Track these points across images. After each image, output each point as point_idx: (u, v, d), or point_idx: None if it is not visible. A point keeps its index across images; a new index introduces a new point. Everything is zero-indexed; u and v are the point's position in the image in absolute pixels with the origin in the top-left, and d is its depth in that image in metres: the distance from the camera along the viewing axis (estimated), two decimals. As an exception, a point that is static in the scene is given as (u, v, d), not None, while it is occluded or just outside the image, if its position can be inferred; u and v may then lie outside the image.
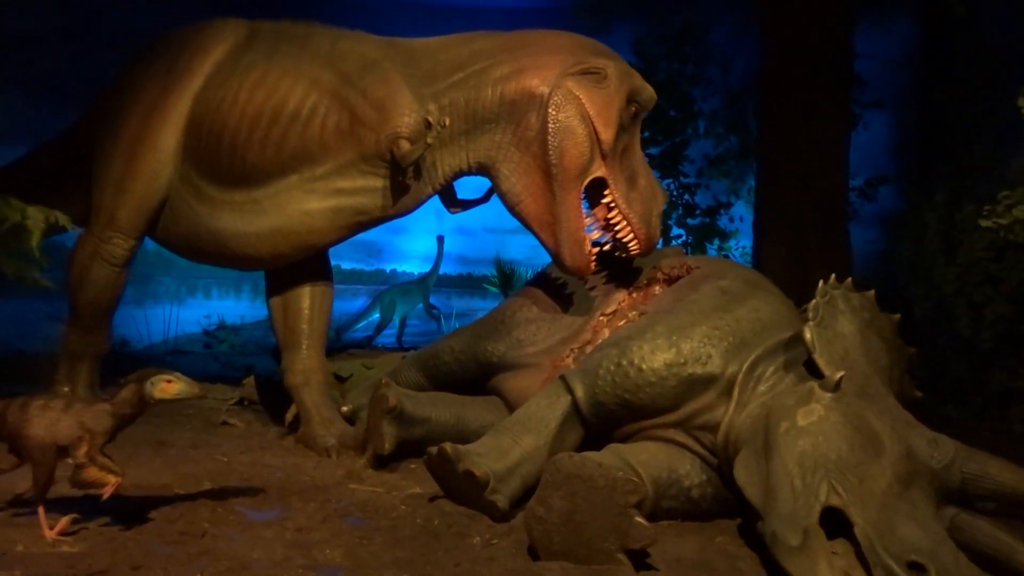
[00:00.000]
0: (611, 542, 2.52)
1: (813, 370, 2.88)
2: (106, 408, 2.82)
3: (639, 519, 2.50)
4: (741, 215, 6.96)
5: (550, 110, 3.76)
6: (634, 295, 4.12)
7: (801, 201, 5.38)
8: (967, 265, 5.58)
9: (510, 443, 3.19)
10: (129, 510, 3.02)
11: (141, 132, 4.17)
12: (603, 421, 3.29)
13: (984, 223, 3.23)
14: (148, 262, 6.90)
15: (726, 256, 6.81)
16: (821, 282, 3.05)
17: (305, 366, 4.36)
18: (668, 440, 3.20)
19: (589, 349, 3.92)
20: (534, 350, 4.09)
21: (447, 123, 3.75)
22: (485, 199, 4.34)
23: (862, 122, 6.18)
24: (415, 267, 8.81)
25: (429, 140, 3.75)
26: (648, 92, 3.94)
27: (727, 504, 3.13)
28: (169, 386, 2.83)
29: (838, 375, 2.69)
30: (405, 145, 3.73)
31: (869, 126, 6.34)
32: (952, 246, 5.62)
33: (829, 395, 2.66)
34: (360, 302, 8.36)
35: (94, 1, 6.82)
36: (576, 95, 3.78)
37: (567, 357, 3.95)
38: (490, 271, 8.75)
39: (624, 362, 3.19)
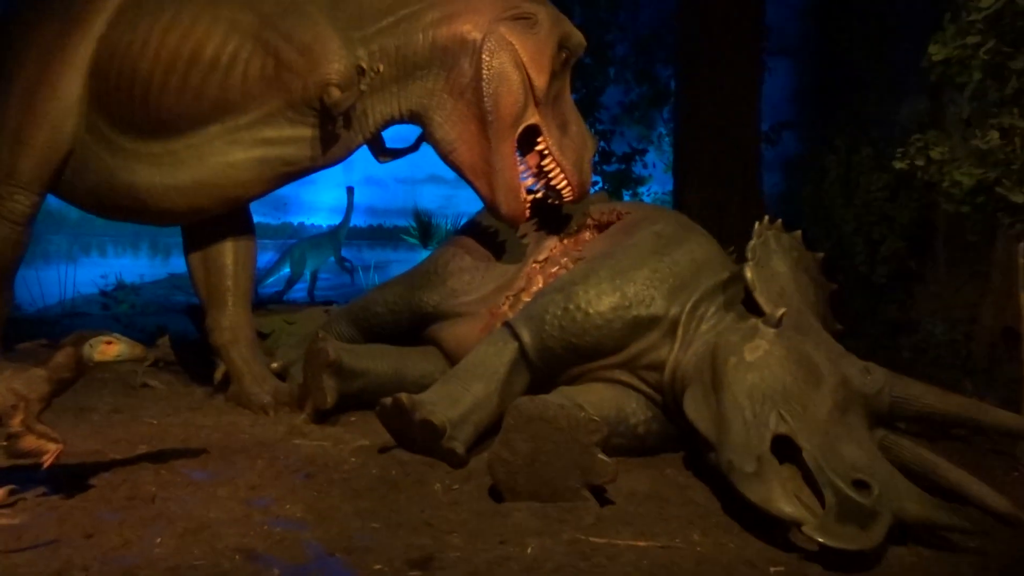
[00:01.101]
0: (575, 479, 2.62)
1: (752, 308, 3.02)
2: (41, 374, 2.67)
3: (601, 456, 2.59)
4: (653, 161, 7.13)
5: (483, 56, 3.73)
6: (565, 242, 4.19)
7: (717, 147, 5.56)
8: (863, 205, 5.94)
9: (461, 391, 3.23)
10: (66, 478, 2.90)
11: (39, 78, 3.86)
12: (550, 365, 3.36)
13: (899, 164, 3.43)
14: (38, 219, 6.44)
15: (643, 201, 6.98)
16: (757, 223, 3.19)
17: (232, 323, 4.22)
18: (614, 380, 3.31)
19: (524, 296, 3.98)
20: (469, 299, 4.10)
21: (380, 69, 3.65)
22: (415, 148, 4.27)
23: (767, 69, 6.41)
24: (324, 220, 8.61)
25: (362, 87, 3.65)
26: (578, 37, 3.95)
27: (671, 439, 3.28)
28: (109, 348, 2.70)
29: (780, 311, 2.84)
30: (336, 92, 3.61)
31: (772, 73, 6.58)
32: (850, 188, 5.96)
33: (772, 330, 2.81)
34: (268, 257, 8.11)
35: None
36: (509, 41, 3.75)
37: (503, 304, 3.99)
38: (401, 222, 8.65)
39: (571, 307, 3.26)
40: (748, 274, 3.00)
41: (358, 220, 8.41)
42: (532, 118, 3.87)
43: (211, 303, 4.26)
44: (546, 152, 3.96)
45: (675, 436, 3.28)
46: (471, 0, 3.79)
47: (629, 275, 3.28)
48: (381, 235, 8.96)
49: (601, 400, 3.19)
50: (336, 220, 8.33)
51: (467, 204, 8.74)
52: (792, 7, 6.42)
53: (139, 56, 3.73)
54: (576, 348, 3.29)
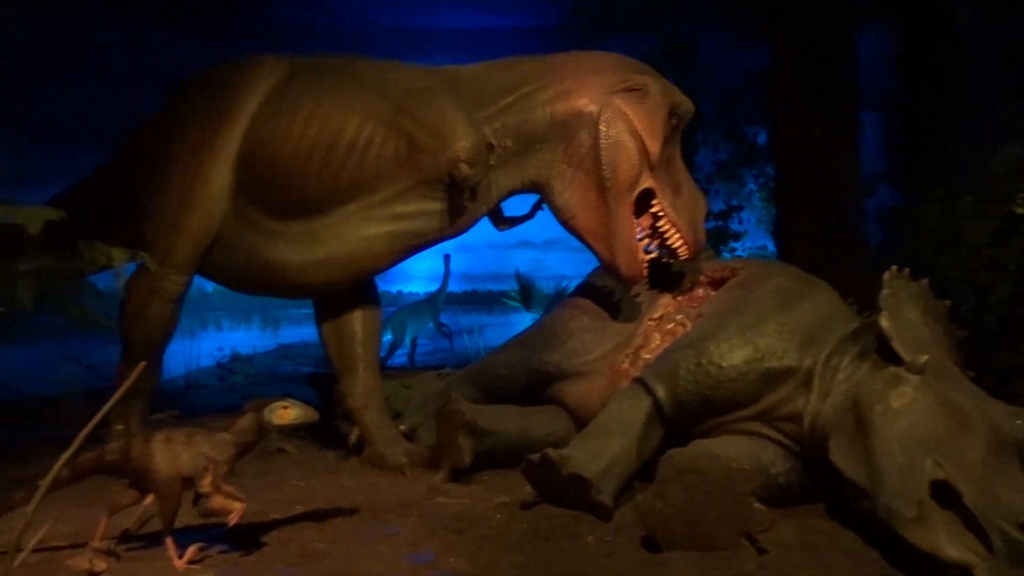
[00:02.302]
0: (730, 529, 2.69)
1: (888, 357, 3.09)
2: (227, 438, 2.90)
3: (757, 505, 2.67)
4: (746, 217, 7.25)
5: (601, 127, 3.95)
6: (679, 299, 4.32)
7: (818, 201, 5.66)
8: (968, 252, 5.90)
9: (601, 446, 3.34)
10: (238, 536, 3.10)
11: (192, 170, 4.23)
12: (684, 419, 3.46)
13: (1020, 210, 3.48)
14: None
15: (754, 258, 7.06)
16: (886, 274, 3.27)
17: (363, 388, 4.45)
18: (749, 432, 3.39)
19: (643, 353, 4.11)
20: (590, 358, 4.25)
21: (509, 145, 3.90)
22: (531, 215, 4.50)
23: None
24: (420, 287, 8.93)
25: (492, 162, 3.91)
26: (687, 105, 4.16)
27: (811, 489, 3.32)
28: (286, 412, 2.92)
29: (923, 358, 2.90)
30: (465, 168, 3.87)
31: (862, 126, 6.65)
32: (950, 236, 5.93)
33: (916, 377, 2.87)
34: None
35: (81, 41, 6.81)
36: (624, 111, 3.98)
37: (623, 362, 4.12)
38: (493, 286, 8.90)
39: (704, 361, 3.37)
40: (884, 324, 3.07)
41: (453, 286, 8.70)
42: (647, 182, 4.05)
43: (343, 370, 4.51)
44: (661, 213, 4.13)
45: (813, 486, 3.31)
46: (586, 76, 4.04)
47: (759, 328, 3.38)
48: (475, 300, 9.23)
49: (739, 452, 3.25)
50: (432, 287, 8.63)
51: (557, 267, 8.98)
52: (876, 60, 6.53)
53: (282, 145, 4.07)
54: (711, 401, 3.38)
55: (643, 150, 3.99)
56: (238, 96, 4.25)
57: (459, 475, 3.96)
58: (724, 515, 2.68)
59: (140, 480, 2.87)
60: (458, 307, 9.00)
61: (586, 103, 3.97)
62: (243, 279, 4.46)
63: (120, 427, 4.55)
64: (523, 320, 8.17)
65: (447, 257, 8.29)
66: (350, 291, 4.46)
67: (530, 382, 4.45)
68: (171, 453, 2.84)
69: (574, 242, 9.11)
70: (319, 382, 5.74)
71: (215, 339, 8.29)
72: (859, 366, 3.18)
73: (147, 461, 2.83)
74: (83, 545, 2.91)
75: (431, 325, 8.42)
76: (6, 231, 3.07)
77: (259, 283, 4.42)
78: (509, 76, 4.08)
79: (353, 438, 4.51)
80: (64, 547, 3.06)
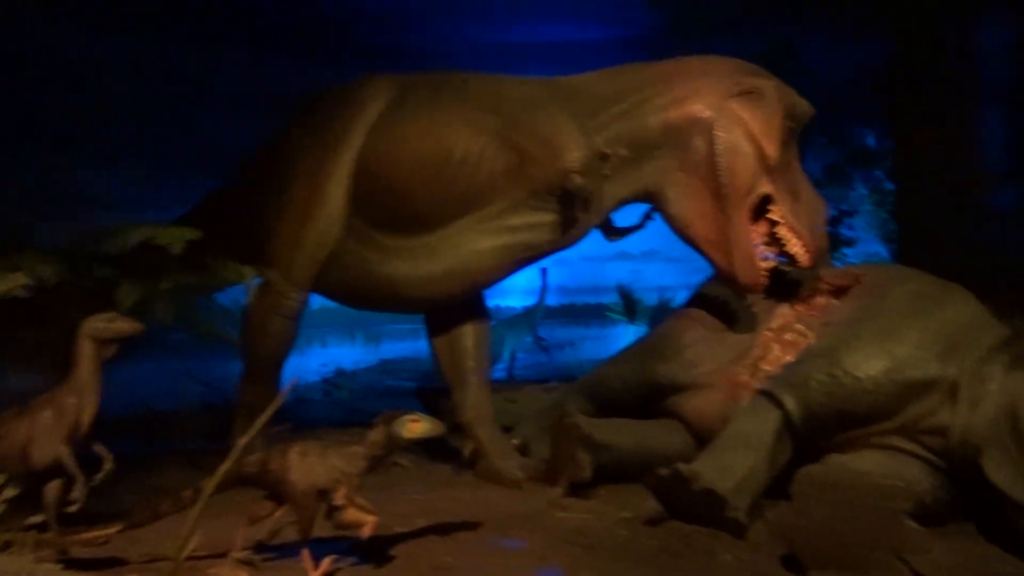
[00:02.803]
0: (884, 549, 2.55)
1: (1043, 365, 2.89)
2: (359, 451, 2.94)
3: (913, 524, 2.53)
4: (854, 222, 6.99)
5: (717, 132, 3.87)
6: (798, 308, 4.17)
7: (941, 202, 5.40)
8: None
9: (731, 461, 3.24)
10: (366, 549, 3.13)
11: (309, 190, 4.34)
12: (815, 432, 3.32)
13: None
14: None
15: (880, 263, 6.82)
16: (1037, 277, 3.07)
17: (475, 402, 4.45)
18: (888, 447, 3.22)
19: (762, 364, 3.98)
20: (706, 370, 4.14)
21: (624, 153, 3.86)
22: (642, 225, 4.43)
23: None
24: (517, 301, 8.93)
25: (606, 172, 3.87)
26: (803, 106, 4.03)
27: (957, 507, 3.13)
28: (416, 425, 2.94)
29: (1088, 367, 2.70)
30: (577, 179, 3.85)
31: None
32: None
33: (1081, 387, 2.68)
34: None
35: (208, 74, 7.13)
36: (740, 116, 3.88)
37: (742, 374, 3.99)
38: (590, 299, 8.83)
39: (837, 372, 3.24)
40: (1040, 330, 2.88)
41: (550, 300, 8.67)
42: (765, 188, 3.94)
43: (455, 383, 4.53)
44: (779, 220, 4.00)
45: (961, 504, 3.12)
46: (700, 81, 3.97)
47: (897, 336, 3.22)
48: (572, 313, 9.17)
49: (879, 467, 3.10)
50: (529, 301, 8.61)
51: (656, 278, 8.83)
52: (996, 53, 6.19)
53: (396, 162, 4.14)
54: (845, 414, 3.24)
55: (761, 155, 3.89)
56: (352, 115, 4.35)
57: (576, 489, 3.91)
58: (876, 534, 2.55)
59: (277, 491, 2.93)
60: (555, 321, 8.97)
61: (701, 108, 3.90)
62: (357, 295, 4.54)
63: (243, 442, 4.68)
64: (623, 333, 8.06)
65: (544, 271, 8.26)
66: (461, 305, 4.49)
67: (644, 395, 4.36)
68: (307, 466, 2.89)
69: (672, 253, 8.96)
70: (427, 396, 5.80)
71: (320, 355, 8.48)
72: (1012, 376, 2.99)
73: (284, 473, 2.89)
74: (222, 555, 2.99)
75: (529, 339, 8.40)
76: (146, 250, 3.20)
77: (373, 299, 4.49)
78: (621, 83, 4.05)
79: (467, 452, 4.51)
80: (203, 556, 3.15)
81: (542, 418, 4.82)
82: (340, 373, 8.22)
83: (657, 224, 4.40)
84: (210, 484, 2.64)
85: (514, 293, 9.29)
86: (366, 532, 2.88)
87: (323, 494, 2.89)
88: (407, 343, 9.24)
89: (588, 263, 8.82)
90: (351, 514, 2.87)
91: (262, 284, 4.52)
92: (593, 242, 4.57)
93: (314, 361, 8.29)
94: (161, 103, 6.81)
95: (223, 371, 7.83)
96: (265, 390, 4.71)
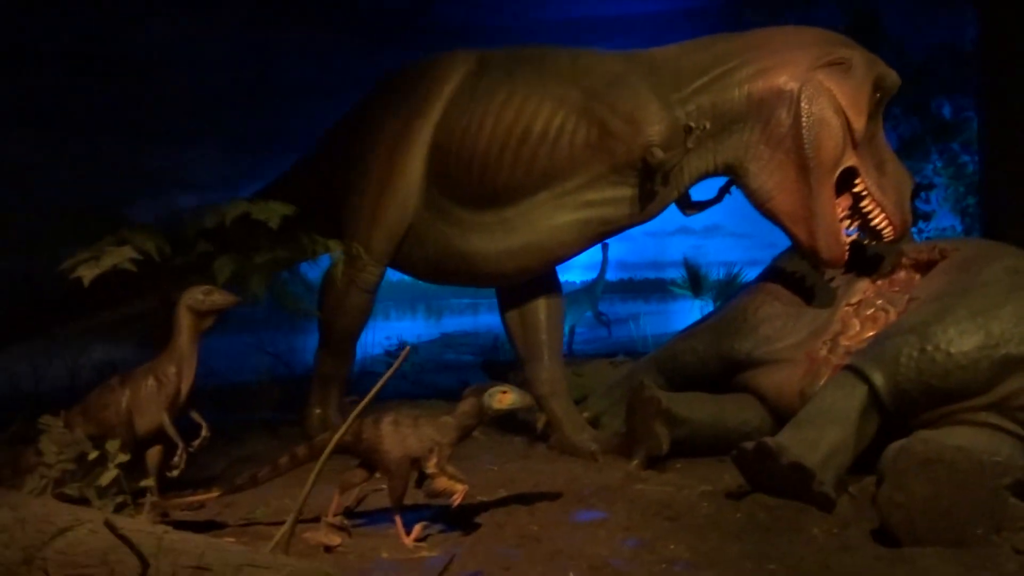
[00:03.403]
0: (983, 525, 2.52)
1: None
2: (450, 421, 3.00)
3: (1015, 500, 2.49)
4: (931, 196, 6.81)
5: (803, 104, 3.80)
6: (879, 283, 4.10)
7: None
8: None
9: (817, 436, 3.22)
10: (452, 517, 3.20)
11: (389, 164, 4.39)
12: (904, 408, 3.28)
13: None
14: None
15: (965, 237, 6.67)
16: None
17: (550, 376, 4.48)
18: (980, 423, 3.17)
19: (842, 340, 3.93)
20: (784, 344, 4.10)
21: (707, 126, 3.82)
22: (719, 199, 4.39)
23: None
24: (577, 276, 8.92)
25: (690, 145, 3.84)
26: (892, 77, 3.93)
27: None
28: (505, 396, 2.99)
29: None
30: (659, 153, 3.82)
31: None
32: None
33: None
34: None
35: (276, 57, 7.23)
36: (827, 87, 3.81)
37: (821, 349, 3.95)
38: (650, 274, 8.78)
39: (929, 347, 3.18)
40: None
41: (610, 274, 8.64)
42: (850, 160, 3.87)
43: (529, 357, 4.56)
44: (864, 193, 3.93)
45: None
46: (785, 52, 3.89)
47: (993, 312, 3.16)
48: (633, 288, 9.14)
49: (970, 443, 3.03)
50: (590, 276, 8.60)
51: (717, 253, 8.74)
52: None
53: (475, 137, 4.16)
54: (936, 390, 3.19)
55: (847, 127, 3.82)
56: (430, 90, 4.37)
57: (653, 463, 3.93)
58: (976, 510, 2.52)
59: (370, 460, 3.01)
60: (616, 295, 8.94)
61: (786, 80, 3.83)
62: (435, 270, 4.59)
63: (319, 411, 4.80)
64: (686, 308, 8.01)
65: (605, 245, 8.23)
66: (534, 279, 4.51)
67: (720, 369, 4.35)
68: (399, 435, 2.96)
69: (735, 228, 8.85)
70: (494, 369, 5.86)
71: (383, 328, 8.61)
72: (1114, 353, 2.91)
73: (378, 442, 2.96)
74: (315, 520, 3.08)
75: (589, 314, 8.40)
76: (240, 225, 3.28)
77: (451, 273, 4.53)
78: (705, 56, 3.99)
79: (540, 424, 4.56)
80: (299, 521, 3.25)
81: (613, 392, 4.84)
82: (403, 346, 8.34)
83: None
84: (329, 445, 2.70)
85: (575, 268, 9.28)
86: (456, 500, 2.94)
87: (415, 462, 2.97)
88: (467, 317, 9.33)
89: (649, 238, 8.76)
90: (442, 482, 2.93)
91: (343, 257, 4.60)
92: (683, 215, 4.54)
93: (379, 334, 8.42)
94: (232, 87, 6.96)
95: (290, 343, 8.03)
96: (341, 361, 4.83)
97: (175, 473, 3.24)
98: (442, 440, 2.96)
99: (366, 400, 2.66)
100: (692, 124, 3.81)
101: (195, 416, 3.43)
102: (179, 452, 3.24)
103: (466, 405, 3.00)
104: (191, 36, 6.52)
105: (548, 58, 4.23)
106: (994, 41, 5.47)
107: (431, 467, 2.94)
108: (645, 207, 4.08)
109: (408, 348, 2.60)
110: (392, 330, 8.56)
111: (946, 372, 3.15)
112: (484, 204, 4.22)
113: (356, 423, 3.04)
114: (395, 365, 2.57)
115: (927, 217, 6.68)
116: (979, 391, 3.14)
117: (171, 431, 3.25)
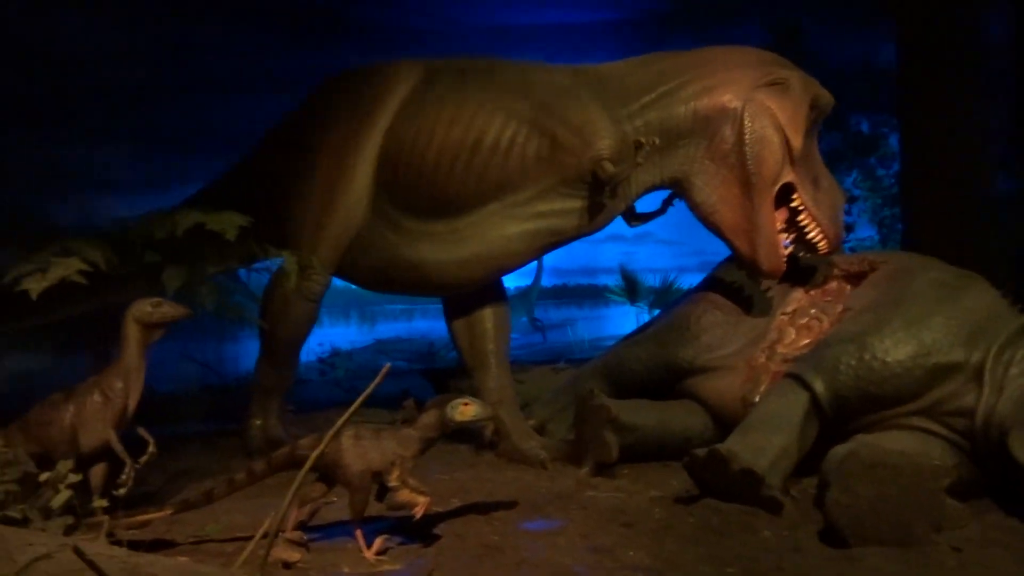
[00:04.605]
0: (925, 524, 2.68)
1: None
2: (413, 434, 3.00)
3: (952, 501, 2.66)
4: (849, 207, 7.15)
5: (746, 122, 3.96)
6: (812, 293, 4.29)
7: (949, 189, 5.59)
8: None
9: (763, 441, 3.36)
10: (410, 529, 3.19)
11: (335, 172, 4.34)
12: (842, 414, 3.45)
13: None
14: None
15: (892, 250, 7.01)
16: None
17: (497, 384, 4.52)
18: (912, 427, 3.36)
19: (778, 348, 4.10)
20: (724, 352, 4.25)
21: (656, 142, 3.93)
22: (662, 211, 4.52)
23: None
24: (512, 282, 9.01)
25: (639, 160, 3.94)
26: (827, 97, 4.13)
27: (979, 485, 3.28)
28: (467, 408, 3.01)
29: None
30: (609, 167, 3.91)
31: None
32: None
33: (1107, 372, 2.83)
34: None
35: (195, 53, 7.02)
36: (768, 106, 3.98)
37: (759, 357, 4.11)
38: (584, 280, 8.92)
39: (866, 356, 3.36)
40: (1065, 318, 3.03)
41: (545, 281, 8.76)
42: (788, 176, 4.05)
43: (476, 366, 4.59)
44: (801, 207, 4.12)
45: (981, 481, 3.28)
46: (728, 71, 4.04)
47: (924, 323, 3.36)
48: (567, 294, 9.27)
49: (906, 447, 3.22)
50: (524, 282, 8.69)
51: (648, 260, 8.96)
52: (994, 46, 6.33)
53: (425, 147, 4.16)
54: (873, 397, 3.37)
55: (786, 144, 3.99)
56: (378, 98, 4.35)
57: (602, 469, 4.01)
58: (917, 511, 2.68)
59: (331, 474, 2.98)
60: (550, 301, 9.06)
61: (730, 98, 3.98)
62: (381, 278, 4.56)
63: (259, 422, 4.70)
64: (621, 313, 8.18)
65: (540, 252, 8.31)
66: (480, 288, 4.54)
67: (664, 377, 4.47)
68: (361, 449, 2.94)
69: (664, 235, 9.06)
70: (434, 376, 5.85)
71: (316, 335, 8.47)
72: (1034, 361, 3.14)
73: (339, 456, 2.93)
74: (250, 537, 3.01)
75: (524, 320, 8.49)
76: (189, 235, 3.20)
77: (398, 282, 4.52)
78: (651, 73, 4.11)
79: (488, 433, 4.58)
80: (247, 537, 3.17)
81: (558, 399, 4.91)
82: (336, 353, 8.23)
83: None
84: (303, 470, 2.64)
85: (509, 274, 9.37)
86: (419, 512, 2.94)
87: (377, 476, 2.95)
88: (401, 323, 9.27)
89: (583, 244, 8.88)
90: (404, 495, 2.93)
91: (282, 266, 4.52)
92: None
93: (311, 341, 8.28)
94: (151, 83, 6.72)
95: (218, 352, 7.80)
96: (283, 371, 4.75)
97: (122, 492, 3.12)
98: (404, 453, 2.96)
99: (344, 419, 2.64)
100: (642, 140, 3.92)
101: (141, 432, 3.32)
102: (126, 470, 3.13)
103: (429, 417, 3.01)
104: (105, 28, 6.25)
105: (497, 70, 4.28)
106: (914, 58, 5.81)
107: (394, 480, 2.93)
108: (593, 218, 4.17)
109: (387, 366, 2.58)
110: (325, 336, 8.45)
111: (882, 379, 3.33)
112: (434, 214, 4.23)
113: (315, 437, 3.01)
114: (374, 383, 2.54)
115: (848, 228, 7.02)
116: (912, 397, 3.33)
117: (118, 448, 3.14)
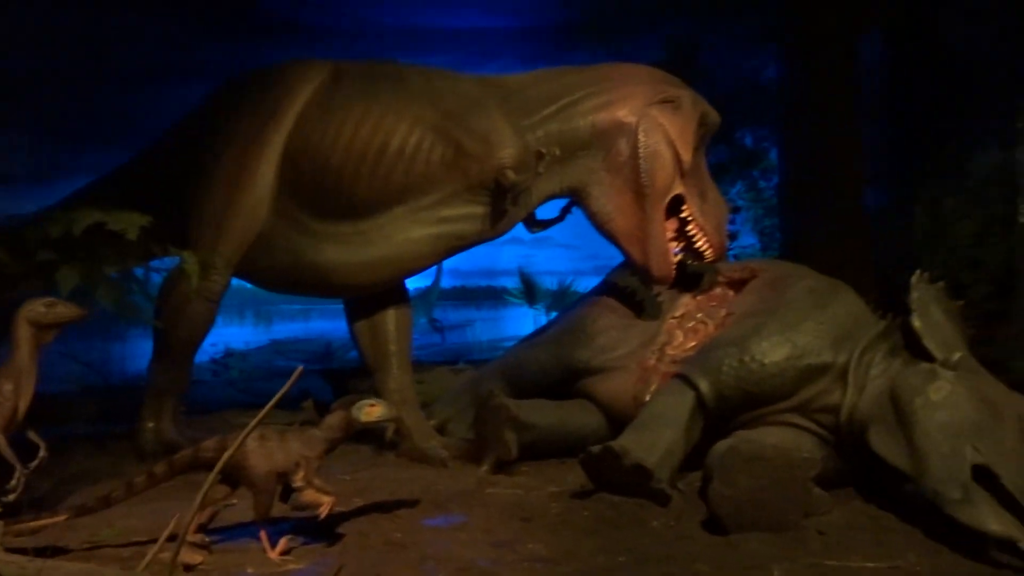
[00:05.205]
0: (795, 512, 2.95)
1: (917, 353, 3.40)
2: (317, 435, 3.04)
3: (818, 490, 2.93)
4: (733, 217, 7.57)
5: (640, 136, 4.19)
6: (699, 298, 4.58)
7: (825, 203, 6.04)
8: (949, 251, 6.32)
9: (653, 438, 3.57)
10: (312, 529, 3.23)
11: (238, 170, 4.31)
12: (724, 412, 3.72)
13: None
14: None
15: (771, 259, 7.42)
16: (913, 277, 3.58)
17: (399, 385, 4.60)
18: (786, 423, 3.66)
19: (668, 350, 4.36)
20: (618, 354, 4.47)
21: (557, 153, 4.10)
22: (561, 218, 4.71)
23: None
24: (411, 283, 9.05)
25: (541, 169, 4.10)
26: (714, 115, 4.41)
27: (843, 475, 3.61)
28: (373, 410, 3.07)
29: (956, 355, 3.21)
30: (511, 175, 4.06)
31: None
32: (936, 236, 6.34)
33: (951, 372, 3.18)
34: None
35: (98, 42, 6.76)
36: (660, 122, 4.22)
37: (650, 358, 4.36)
38: (482, 283, 9.06)
39: (746, 358, 3.63)
40: (917, 324, 3.38)
41: (444, 282, 8.85)
42: (678, 188, 4.31)
43: (377, 367, 4.65)
44: (689, 218, 4.38)
45: (847, 472, 3.61)
46: (624, 88, 4.26)
47: (798, 328, 3.66)
48: (466, 295, 9.39)
49: (780, 442, 3.51)
50: (424, 283, 8.76)
51: (546, 263, 9.19)
52: (869, 67, 6.86)
53: (331, 148, 4.19)
54: (752, 396, 3.65)
55: (677, 158, 4.24)
56: (283, 97, 4.35)
57: (502, 467, 4.15)
58: (789, 499, 2.95)
59: (235, 476, 2.98)
60: (449, 302, 9.15)
61: (626, 114, 4.20)
62: (284, 279, 4.55)
63: (152, 425, 4.59)
64: (519, 315, 8.36)
65: (440, 254, 8.40)
66: (383, 290, 4.60)
67: (561, 377, 4.65)
68: (266, 450, 2.96)
69: (562, 239, 9.30)
70: (333, 377, 5.86)
71: (210, 335, 8.26)
72: (891, 362, 3.48)
73: (243, 458, 2.94)
74: (153, 541, 2.99)
75: (424, 320, 8.55)
76: (86, 233, 3.13)
77: (301, 284, 4.52)
78: (554, 86, 4.28)
79: (389, 433, 4.64)
80: (146, 541, 3.14)
81: (458, 399, 5.03)
82: (230, 353, 8.07)
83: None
84: (211, 475, 2.64)
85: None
86: (324, 511, 2.98)
87: (282, 477, 2.98)
88: (297, 323, 9.16)
89: (483, 247, 9.03)
90: (309, 495, 2.97)
91: (180, 265, 4.43)
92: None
93: (204, 341, 8.07)
94: (47, 71, 6.43)
95: (102, 352, 7.50)
96: (178, 373, 4.65)
97: (11, 498, 3.03)
98: (310, 454, 3.00)
99: (255, 422, 2.65)
100: (543, 150, 4.09)
101: (31, 435, 3.22)
102: (17, 475, 3.04)
103: (334, 418, 3.06)
104: (5, 12, 5.96)
105: (405, 76, 4.35)
106: (795, 78, 6.26)
107: (299, 481, 2.97)
108: (496, 224, 4.31)
109: (300, 369, 2.61)
110: (219, 336, 8.24)
111: (760, 380, 3.61)
112: (339, 215, 4.27)
113: (219, 439, 3.01)
114: (286, 386, 2.57)
115: (733, 236, 7.44)
116: (786, 396, 3.62)
117: (7, 453, 3.04)
